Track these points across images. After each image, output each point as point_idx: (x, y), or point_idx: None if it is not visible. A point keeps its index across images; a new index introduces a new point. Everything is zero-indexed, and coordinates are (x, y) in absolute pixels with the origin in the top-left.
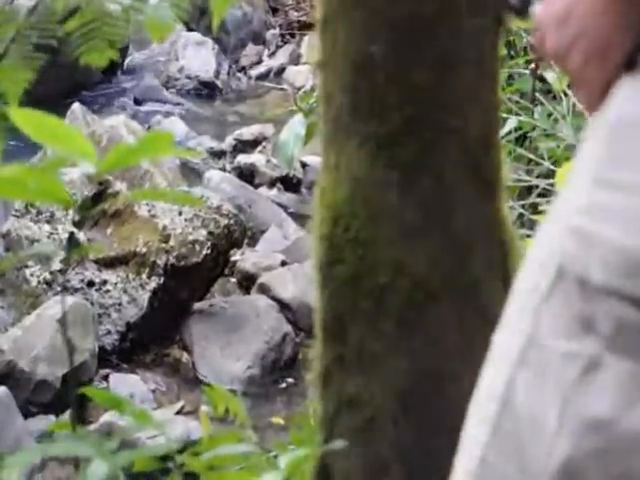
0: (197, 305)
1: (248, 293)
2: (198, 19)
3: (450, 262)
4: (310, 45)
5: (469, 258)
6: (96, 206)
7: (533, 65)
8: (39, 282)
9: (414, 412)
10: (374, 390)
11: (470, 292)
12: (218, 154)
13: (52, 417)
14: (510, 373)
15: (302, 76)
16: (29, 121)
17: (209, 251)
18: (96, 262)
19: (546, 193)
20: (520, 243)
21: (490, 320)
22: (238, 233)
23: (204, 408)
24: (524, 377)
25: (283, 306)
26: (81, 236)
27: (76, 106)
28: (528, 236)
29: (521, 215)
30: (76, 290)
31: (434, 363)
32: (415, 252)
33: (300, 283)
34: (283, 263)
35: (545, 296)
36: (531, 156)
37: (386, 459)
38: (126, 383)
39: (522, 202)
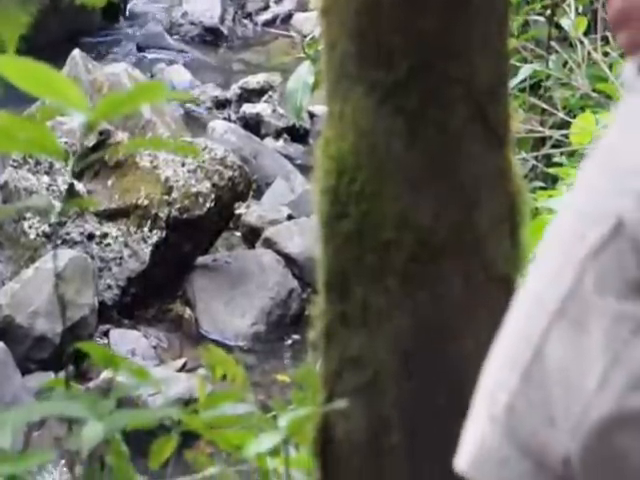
0: (200, 259)
1: (253, 247)
2: None
3: (456, 216)
4: None
5: (475, 211)
6: (96, 157)
7: (549, 11)
8: (37, 235)
9: (417, 370)
10: (377, 348)
11: (476, 247)
12: (223, 103)
13: (51, 374)
14: (546, 323)
15: (310, 23)
16: (17, 69)
17: (213, 204)
18: (96, 214)
19: (560, 144)
20: (528, 195)
21: (495, 275)
22: (243, 185)
23: (201, 371)
24: (560, 330)
25: (289, 261)
26: (81, 188)
27: (76, 52)
28: (542, 188)
29: (534, 167)
30: (76, 243)
31: (438, 320)
32: (420, 206)
33: (307, 237)
34: (289, 217)
35: (594, 250)
36: (545, 106)
37: (388, 418)
38: (127, 339)
39: (535, 154)
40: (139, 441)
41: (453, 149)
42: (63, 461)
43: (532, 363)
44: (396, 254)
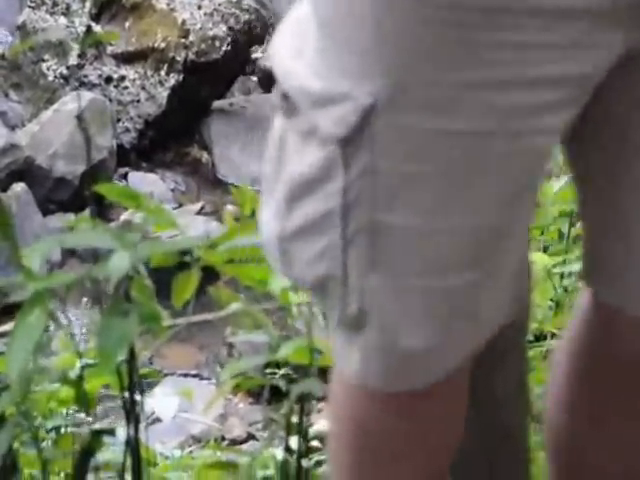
0: (217, 103)
1: (269, 92)
2: None
3: None
4: None
5: None
6: None
7: None
8: (56, 77)
9: None
10: None
11: None
12: None
13: (71, 215)
14: None
15: None
16: None
17: (229, 47)
18: (114, 57)
19: None
20: None
21: None
22: (259, 29)
23: (229, 207)
24: None
25: None
26: (98, 30)
27: None
28: None
29: None
30: (94, 86)
31: None
32: None
33: None
34: None
35: None
36: None
37: None
38: (145, 182)
39: None
40: (161, 282)
41: None
42: (85, 300)
43: None
44: None
